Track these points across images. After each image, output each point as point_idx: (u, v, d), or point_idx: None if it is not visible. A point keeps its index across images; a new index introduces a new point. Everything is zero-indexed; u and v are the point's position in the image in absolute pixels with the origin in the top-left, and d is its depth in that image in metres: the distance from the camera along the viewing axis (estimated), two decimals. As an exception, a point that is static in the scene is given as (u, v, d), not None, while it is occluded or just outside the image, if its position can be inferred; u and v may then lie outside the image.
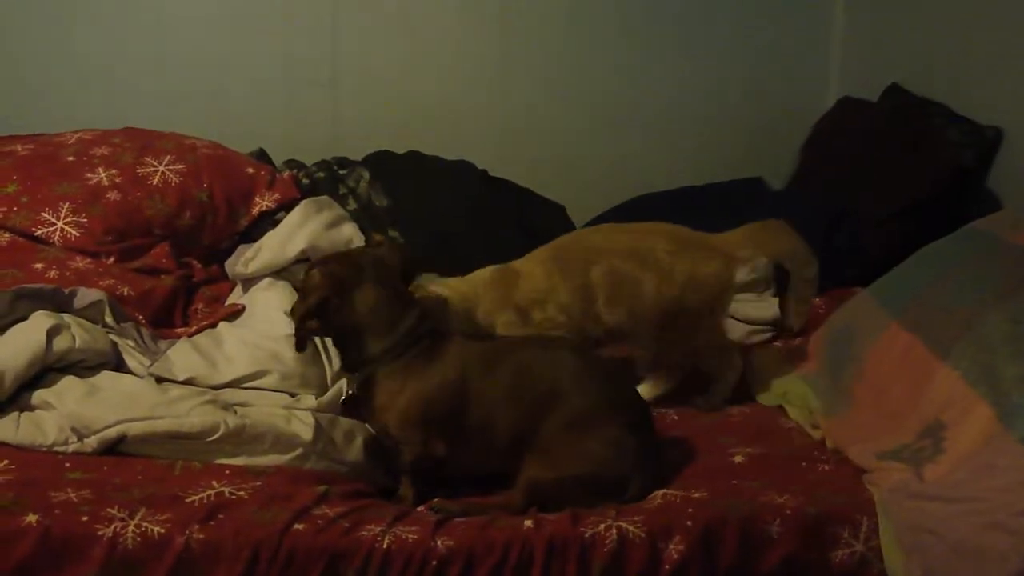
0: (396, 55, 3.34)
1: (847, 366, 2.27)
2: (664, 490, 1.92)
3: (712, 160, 3.46)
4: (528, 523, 1.80)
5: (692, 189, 3.31)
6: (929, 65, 3.16)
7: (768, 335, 2.66)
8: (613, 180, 3.38)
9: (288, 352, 2.26)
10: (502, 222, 2.75)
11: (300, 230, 2.50)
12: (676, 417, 2.32)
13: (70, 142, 2.77)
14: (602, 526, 1.79)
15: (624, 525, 1.79)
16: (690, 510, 1.83)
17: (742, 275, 2.54)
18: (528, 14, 3.37)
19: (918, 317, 2.13)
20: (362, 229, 2.63)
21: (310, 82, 3.31)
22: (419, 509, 1.93)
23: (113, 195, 2.63)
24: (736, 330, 2.58)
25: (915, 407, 1.98)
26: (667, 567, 1.76)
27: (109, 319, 2.28)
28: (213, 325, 2.39)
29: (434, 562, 1.74)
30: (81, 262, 2.50)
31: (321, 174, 2.83)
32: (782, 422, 2.27)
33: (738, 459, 2.05)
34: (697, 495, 1.89)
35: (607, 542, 1.77)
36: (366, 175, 2.80)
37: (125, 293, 2.43)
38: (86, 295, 2.30)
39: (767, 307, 2.69)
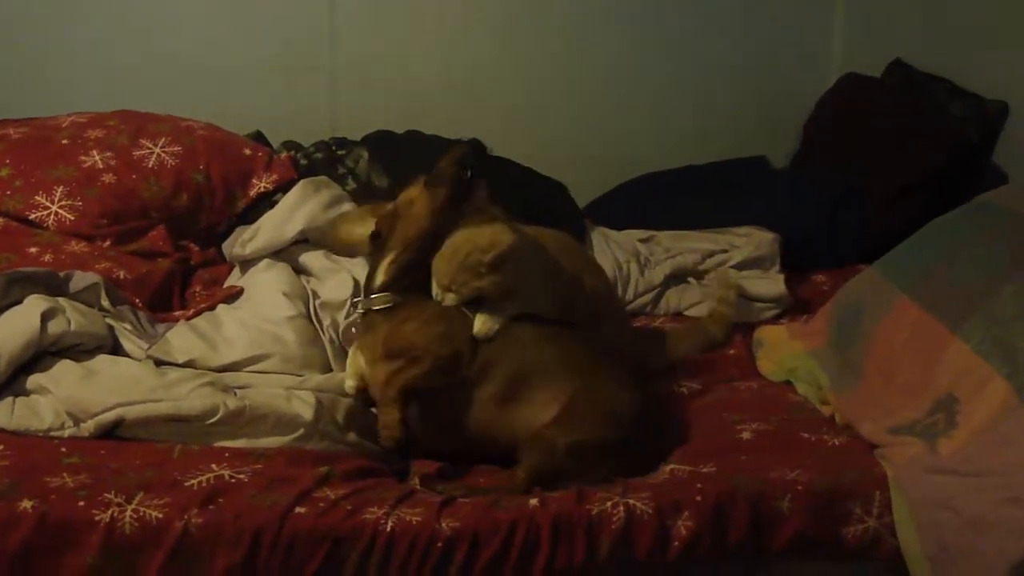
0: (396, 37, 3.28)
1: (855, 342, 2.22)
2: (672, 465, 1.87)
3: (714, 138, 3.41)
4: (533, 502, 1.76)
5: (695, 168, 3.26)
6: (932, 40, 3.10)
7: (774, 311, 2.61)
8: (615, 159, 3.33)
9: (289, 334, 2.22)
10: (503, 201, 2.68)
11: (298, 210, 2.45)
12: (685, 391, 2.27)
13: (64, 125, 2.71)
14: (609, 503, 1.74)
15: (632, 501, 1.74)
16: (699, 485, 1.78)
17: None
18: (528, -7, 3.31)
19: (928, 291, 2.08)
20: (361, 209, 2.58)
21: (308, 66, 3.25)
22: (419, 487, 1.88)
23: (108, 178, 2.58)
24: (742, 307, 2.53)
25: (927, 382, 1.93)
26: (676, 543, 1.72)
27: (105, 302, 2.22)
28: (211, 308, 2.34)
29: (439, 544, 1.70)
30: (76, 246, 2.44)
31: (319, 155, 2.77)
32: (790, 398, 2.22)
33: (746, 435, 2.00)
34: (705, 470, 1.84)
35: (615, 519, 1.72)
36: (365, 154, 2.74)
37: (121, 276, 2.37)
38: (82, 278, 2.24)
39: (773, 284, 2.63)
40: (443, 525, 1.71)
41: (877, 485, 1.77)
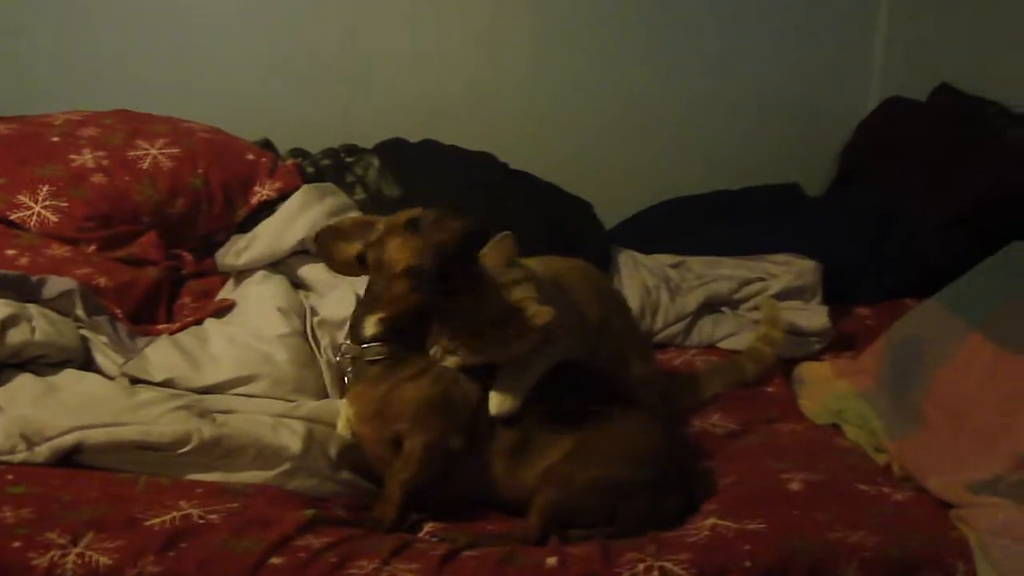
0: (416, 45, 2.98)
1: (915, 383, 1.89)
2: (712, 519, 1.54)
3: (744, 163, 3.08)
4: (551, 561, 1.43)
5: (725, 193, 2.94)
6: (981, 62, 2.80)
7: (816, 346, 2.28)
8: (644, 181, 3.02)
9: (281, 354, 1.91)
10: (524, 218, 2.37)
11: (299, 218, 2.15)
12: (720, 431, 1.95)
13: (57, 123, 2.42)
14: (641, 566, 1.41)
15: (668, 565, 1.41)
16: (747, 547, 1.44)
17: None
18: (560, 5, 3.01)
19: (1007, 330, 1.75)
20: (369, 221, 2.27)
21: (326, 75, 2.96)
22: (422, 537, 1.57)
23: (98, 178, 2.27)
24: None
25: (1009, 431, 1.60)
26: (720, 618, 1.38)
27: (80, 311, 1.92)
28: (199, 322, 2.03)
29: (438, 607, 1.37)
30: (58, 249, 2.14)
31: (327, 161, 2.46)
32: (838, 443, 1.90)
33: (794, 485, 1.67)
34: (753, 527, 1.51)
35: (647, 586, 1.39)
36: (375, 162, 2.43)
37: (102, 284, 2.06)
38: (56, 284, 1.94)
39: (816, 316, 2.31)
40: (444, 585, 1.39)
41: (958, 554, 1.44)
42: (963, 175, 2.55)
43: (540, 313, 1.58)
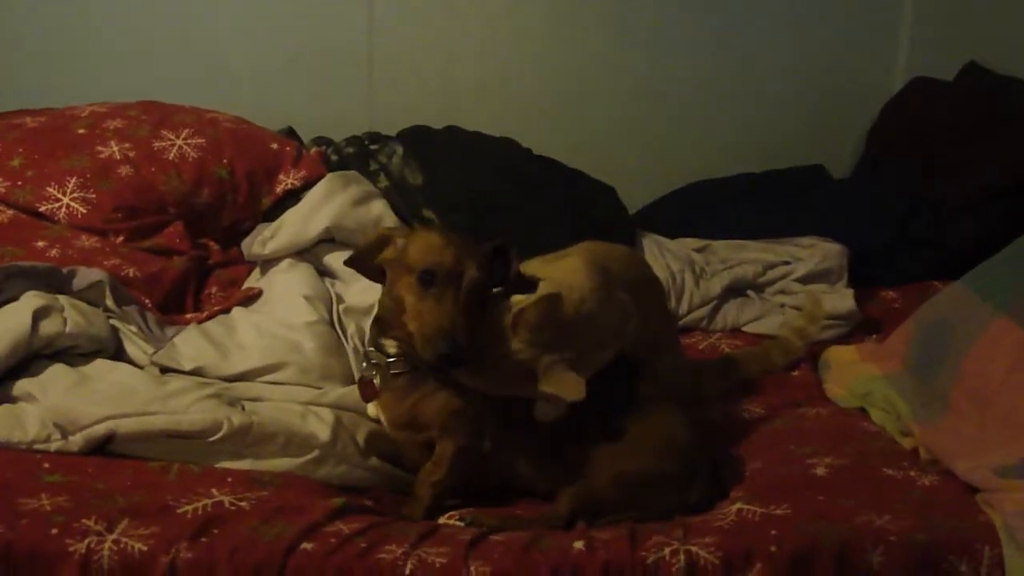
0: (436, 32, 2.99)
1: (942, 367, 1.89)
2: (738, 504, 1.55)
3: (767, 145, 3.06)
4: (579, 544, 1.44)
5: (748, 176, 2.93)
6: (1010, 40, 2.77)
7: (842, 330, 2.28)
8: (665, 164, 3.01)
9: (309, 342, 1.93)
10: (549, 204, 2.38)
11: (324, 206, 2.16)
12: (746, 415, 1.95)
13: (83, 115, 2.45)
14: (667, 550, 1.42)
15: (694, 549, 1.42)
16: (773, 532, 1.45)
17: None
18: (576, -9, 3.01)
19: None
20: (393, 208, 2.28)
21: (345, 61, 2.97)
22: (449, 522, 1.59)
23: (125, 170, 2.30)
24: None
25: (1037, 415, 1.60)
26: (746, 602, 1.39)
27: (110, 302, 1.95)
28: (227, 311, 2.06)
29: (466, 591, 1.39)
30: (87, 241, 2.17)
31: (351, 150, 2.47)
32: (864, 427, 1.89)
33: (820, 470, 1.67)
34: (779, 512, 1.51)
35: (674, 569, 1.40)
36: (399, 150, 2.43)
37: (131, 274, 2.09)
38: (86, 275, 1.97)
39: (842, 299, 2.30)
40: (472, 569, 1.41)
41: (985, 538, 1.44)
42: (991, 156, 2.53)
43: (570, 388, 1.55)
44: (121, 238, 2.22)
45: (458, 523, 1.60)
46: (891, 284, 2.51)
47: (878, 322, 2.34)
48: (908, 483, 1.63)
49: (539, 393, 1.58)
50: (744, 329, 2.31)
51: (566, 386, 1.55)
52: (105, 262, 2.09)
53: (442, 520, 1.62)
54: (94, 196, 2.25)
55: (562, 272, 1.68)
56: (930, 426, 1.79)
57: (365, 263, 1.67)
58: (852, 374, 2.07)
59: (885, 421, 1.89)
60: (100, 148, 2.33)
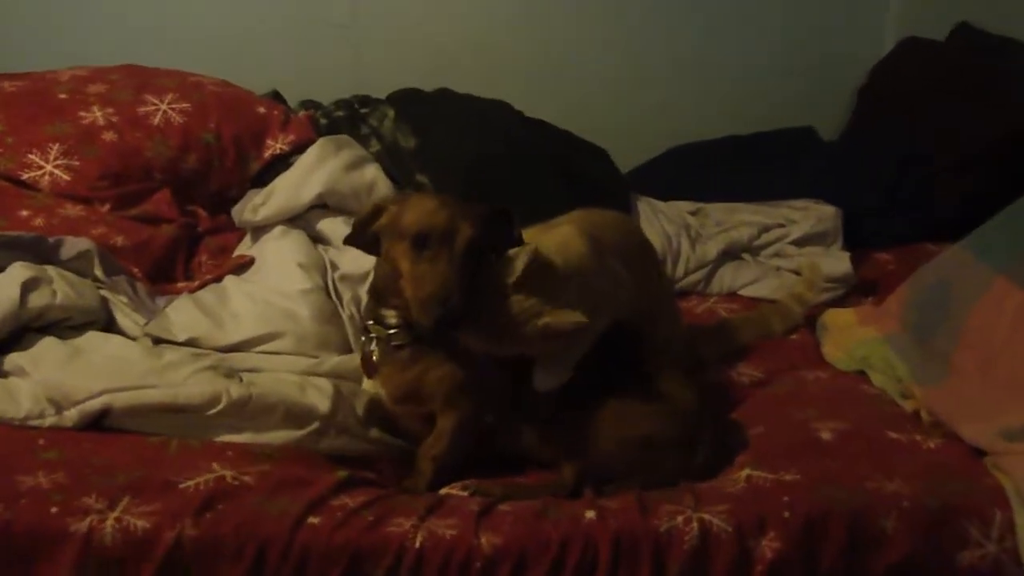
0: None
1: (942, 328, 1.86)
2: (747, 470, 1.53)
3: (756, 107, 3.02)
4: (590, 514, 1.42)
5: (738, 138, 2.89)
6: (1001, 1, 2.72)
7: (838, 292, 2.25)
8: (654, 126, 2.96)
9: (303, 310, 1.88)
10: (544, 168, 2.32)
11: (316, 171, 2.10)
12: (746, 380, 1.93)
13: (63, 79, 2.36)
14: (680, 518, 1.40)
15: (707, 517, 1.40)
16: (785, 498, 1.43)
17: None
18: (562, -53, 2.94)
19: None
20: (386, 172, 2.22)
21: (328, 22, 2.89)
22: (455, 493, 1.56)
23: (109, 135, 2.23)
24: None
25: (1043, 377, 1.58)
26: (760, 568, 1.37)
27: (99, 272, 1.89)
28: (218, 279, 2.00)
29: (478, 564, 1.36)
30: (72, 209, 2.10)
31: (340, 113, 2.41)
32: (865, 390, 1.87)
33: (825, 435, 1.65)
34: (789, 478, 1.49)
35: (687, 538, 1.38)
36: (391, 113, 2.37)
37: (119, 243, 2.03)
38: (73, 244, 1.90)
39: (838, 262, 2.28)
40: (482, 541, 1.38)
41: (995, 502, 1.43)
42: (983, 117, 2.49)
43: (572, 316, 1.52)
44: (107, 206, 2.15)
45: (462, 493, 1.57)
46: (882, 246, 2.49)
47: (873, 284, 2.32)
48: (914, 447, 1.61)
49: (543, 347, 1.54)
50: (740, 293, 2.28)
51: (568, 315, 1.52)
52: (92, 231, 2.03)
53: (445, 491, 1.59)
54: (78, 163, 2.18)
55: (555, 241, 1.65)
56: (932, 388, 1.77)
57: (362, 236, 1.62)
58: (850, 337, 2.05)
59: (885, 384, 1.87)
60: (83, 113, 2.25)
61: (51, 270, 1.81)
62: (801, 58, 3.06)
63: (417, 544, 1.36)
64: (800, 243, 2.34)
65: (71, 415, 1.55)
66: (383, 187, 2.15)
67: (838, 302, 2.25)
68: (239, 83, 2.53)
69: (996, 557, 1.39)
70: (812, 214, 2.40)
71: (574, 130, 2.71)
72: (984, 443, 1.56)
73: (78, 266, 1.88)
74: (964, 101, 2.56)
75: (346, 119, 2.37)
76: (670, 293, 1.98)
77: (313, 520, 1.38)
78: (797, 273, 2.26)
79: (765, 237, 2.37)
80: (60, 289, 1.75)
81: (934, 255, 2.39)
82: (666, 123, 2.98)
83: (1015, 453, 1.48)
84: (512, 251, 1.58)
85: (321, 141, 2.18)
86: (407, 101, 2.42)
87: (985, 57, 2.64)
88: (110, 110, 2.27)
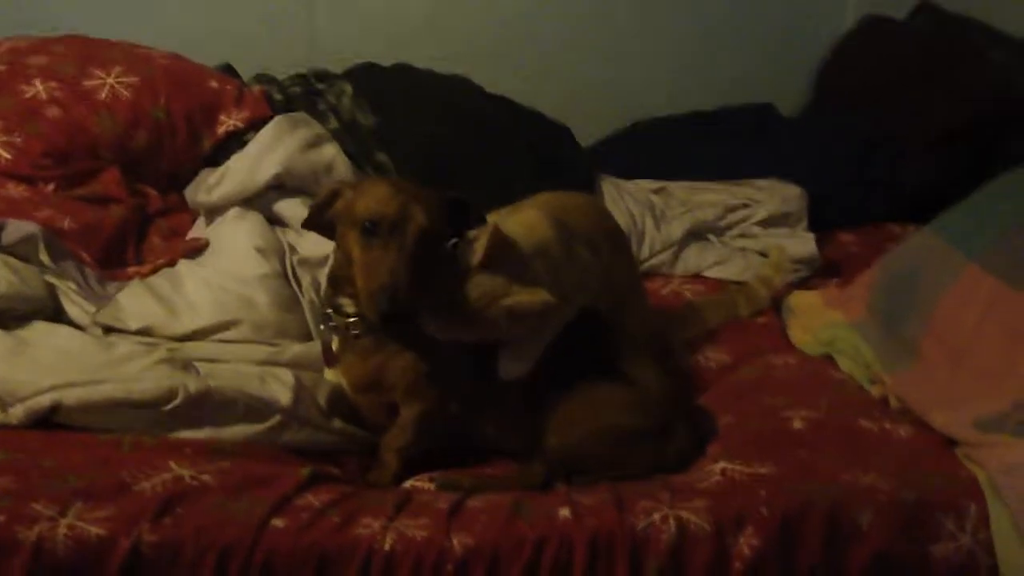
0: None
1: (909, 314, 1.85)
2: (722, 463, 1.50)
3: (714, 83, 2.97)
4: (565, 512, 1.37)
5: (701, 115, 2.84)
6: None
7: (802, 274, 2.23)
8: (611, 99, 2.90)
9: (261, 296, 1.81)
10: (507, 147, 2.26)
11: (273, 150, 2.01)
12: (713, 366, 1.90)
13: (1, 50, 2.23)
14: (657, 516, 1.36)
15: (684, 515, 1.36)
16: (762, 493, 1.40)
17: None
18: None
19: (1008, 262, 1.70)
20: (345, 151, 2.13)
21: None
22: (420, 485, 1.51)
23: (53, 111, 2.11)
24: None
25: (1014, 369, 1.57)
26: (737, 565, 1.35)
27: (44, 257, 1.78)
28: (171, 264, 1.91)
29: (450, 566, 1.31)
30: (14, 189, 1.99)
31: (296, 88, 2.31)
32: (833, 375, 1.85)
33: (797, 424, 1.63)
34: (765, 471, 1.47)
35: (664, 536, 1.34)
36: (349, 89, 2.28)
37: (66, 226, 1.92)
38: (17, 228, 1.80)
39: (803, 243, 2.25)
40: (454, 542, 1.33)
41: (970, 494, 1.41)
42: (945, 97, 2.48)
43: (539, 293, 1.47)
44: (52, 186, 2.04)
45: (428, 485, 1.52)
46: (846, 226, 2.47)
47: (837, 265, 2.30)
48: (885, 436, 1.59)
49: (509, 330, 1.50)
50: (705, 274, 2.25)
51: (534, 294, 1.47)
52: (36, 213, 1.92)
53: (411, 483, 1.54)
54: (20, 140, 2.06)
55: (520, 224, 1.60)
56: (900, 374, 1.76)
57: (319, 221, 1.56)
58: (816, 320, 2.03)
59: (852, 369, 1.85)
60: (24, 87, 2.13)
61: (-7, 256, 1.71)
62: (761, 33, 3.02)
63: (387, 547, 1.31)
64: (765, 224, 2.31)
65: (16, 412, 1.47)
66: (342, 166, 2.07)
67: (803, 284, 2.23)
68: (188, 51, 2.41)
69: (970, 549, 1.37)
70: (777, 194, 2.37)
71: (533, 104, 2.64)
72: (956, 433, 1.54)
73: (22, 251, 1.78)
74: (929, 81, 2.54)
75: (302, 95, 2.28)
76: (637, 277, 1.93)
77: (278, 522, 1.32)
78: (763, 254, 2.23)
79: (730, 217, 2.33)
80: (3, 277, 1.65)
81: (898, 236, 2.40)
82: (624, 98, 2.91)
83: (988, 444, 1.47)
84: (472, 232, 1.53)
85: (277, 119, 2.09)
86: (365, 77, 2.33)
87: (947, 36, 2.63)
88: (53, 84, 2.14)
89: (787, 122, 2.83)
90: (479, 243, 1.48)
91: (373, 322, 1.46)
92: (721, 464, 1.49)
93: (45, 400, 1.46)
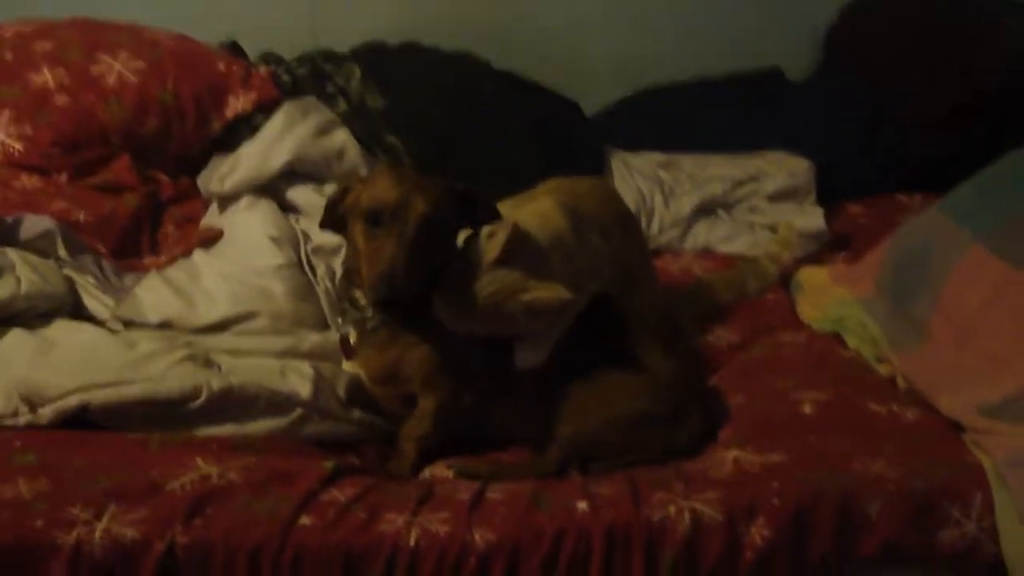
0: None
1: (919, 293, 1.86)
2: (734, 451, 1.53)
3: (719, 46, 2.92)
4: (583, 505, 1.41)
5: (706, 81, 2.81)
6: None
7: (811, 249, 2.25)
8: (616, 65, 2.86)
9: (277, 287, 1.84)
10: (515, 126, 2.26)
11: (284, 138, 2.03)
12: (724, 345, 1.92)
13: (6, 35, 2.22)
14: (672, 508, 1.40)
15: (698, 507, 1.40)
16: (775, 484, 1.44)
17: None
18: None
19: (1014, 244, 1.71)
20: (355, 134, 2.14)
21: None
22: (439, 473, 1.55)
23: (61, 99, 2.11)
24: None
25: (1020, 352, 1.59)
26: (749, 555, 1.39)
27: (62, 252, 1.81)
28: (187, 254, 1.93)
29: (472, 559, 1.35)
30: (27, 181, 2.01)
31: (303, 70, 2.30)
32: (841, 353, 1.87)
33: (807, 408, 1.65)
34: (776, 459, 1.50)
35: (679, 528, 1.38)
36: (357, 71, 2.27)
37: (81, 219, 1.94)
38: (34, 223, 1.82)
39: (811, 217, 2.27)
40: (476, 536, 1.37)
41: (976, 482, 1.44)
42: (956, 65, 2.46)
43: (555, 288, 1.50)
44: (64, 175, 2.05)
45: (446, 472, 1.56)
46: (854, 196, 2.47)
47: (846, 238, 2.31)
48: (893, 419, 1.62)
49: (527, 324, 1.52)
50: (715, 249, 2.27)
51: (553, 290, 1.50)
52: (51, 206, 1.94)
53: (428, 470, 1.58)
54: (30, 130, 2.07)
55: (533, 215, 1.61)
56: (907, 354, 1.78)
57: (332, 218, 1.59)
58: (825, 297, 2.05)
59: (859, 347, 1.87)
60: (32, 76, 2.13)
61: (12, 254, 1.73)
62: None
63: (411, 543, 1.35)
64: (774, 198, 2.32)
65: (45, 413, 1.51)
66: (353, 152, 2.08)
67: (812, 258, 2.25)
68: (190, 28, 2.40)
69: (975, 536, 1.41)
70: (785, 168, 2.38)
71: (537, 74, 2.63)
72: (962, 417, 1.57)
73: (40, 246, 1.81)
74: (940, 47, 2.52)
75: (309, 77, 2.28)
76: (650, 260, 1.95)
77: (305, 520, 1.36)
78: (772, 229, 2.24)
79: (738, 192, 2.34)
80: (24, 276, 1.67)
81: (906, 207, 2.41)
82: (627, 61, 2.88)
83: (994, 431, 1.50)
84: (491, 227, 1.54)
85: (287, 106, 2.09)
86: (373, 58, 2.32)
87: (960, 4, 2.60)
88: (60, 70, 2.15)
89: (795, 88, 2.80)
90: (496, 239, 1.50)
91: (372, 308, 1.49)
92: (733, 452, 1.53)
93: (73, 401, 1.50)
